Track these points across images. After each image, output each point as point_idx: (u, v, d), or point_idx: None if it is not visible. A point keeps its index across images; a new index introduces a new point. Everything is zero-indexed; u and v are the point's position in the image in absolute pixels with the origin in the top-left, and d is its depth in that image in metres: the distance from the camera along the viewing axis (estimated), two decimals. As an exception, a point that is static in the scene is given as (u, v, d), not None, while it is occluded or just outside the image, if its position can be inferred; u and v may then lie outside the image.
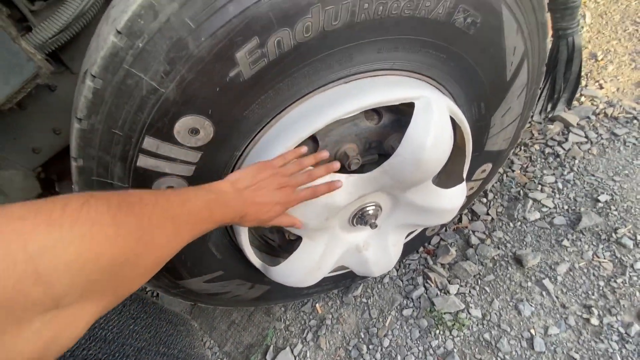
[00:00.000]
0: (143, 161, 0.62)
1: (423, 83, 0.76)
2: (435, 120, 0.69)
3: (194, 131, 0.62)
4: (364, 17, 0.58)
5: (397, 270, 1.44)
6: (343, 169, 0.76)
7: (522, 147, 1.61)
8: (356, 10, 0.57)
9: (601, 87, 1.72)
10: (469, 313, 1.24)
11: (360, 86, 0.70)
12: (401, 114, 0.79)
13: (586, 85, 1.73)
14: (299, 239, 0.89)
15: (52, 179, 1.44)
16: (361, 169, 0.79)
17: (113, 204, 0.35)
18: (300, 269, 0.91)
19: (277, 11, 0.53)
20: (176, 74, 0.54)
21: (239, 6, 0.51)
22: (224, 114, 0.62)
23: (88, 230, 0.31)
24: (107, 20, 0.54)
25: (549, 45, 0.87)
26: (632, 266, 1.18)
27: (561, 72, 1.05)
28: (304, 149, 0.67)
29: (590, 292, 1.17)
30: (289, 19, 0.54)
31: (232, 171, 0.73)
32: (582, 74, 1.16)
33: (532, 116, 1.55)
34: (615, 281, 1.16)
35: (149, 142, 0.60)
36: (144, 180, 0.65)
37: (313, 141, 0.76)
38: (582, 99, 1.69)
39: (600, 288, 1.17)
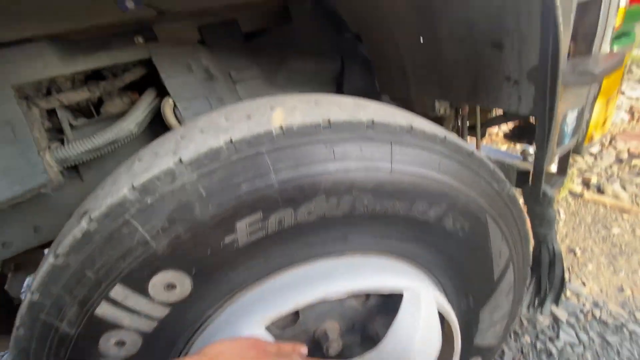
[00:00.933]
0: (103, 309, 0.56)
1: (414, 270, 0.76)
2: (423, 316, 0.67)
3: (171, 286, 0.58)
4: (362, 211, 0.63)
5: None
6: (320, 352, 0.68)
7: (513, 336, 1.52)
8: (355, 205, 0.62)
9: (584, 284, 1.75)
10: None
11: (352, 265, 0.70)
12: (389, 296, 0.77)
13: (569, 281, 1.77)
14: None
15: (5, 274, 1.30)
16: (340, 352, 0.71)
17: None
18: None
19: (285, 195, 0.57)
20: (172, 231, 0.54)
21: (251, 186, 0.56)
22: (208, 274, 0.59)
23: None
24: (129, 171, 0.58)
25: (531, 252, 0.92)
26: None
27: (545, 274, 1.08)
28: (304, 349, 0.63)
29: None
30: (294, 203, 0.58)
31: (196, 331, 0.65)
32: (565, 276, 1.20)
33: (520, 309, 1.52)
34: None
35: (117, 291, 0.55)
36: (94, 329, 0.57)
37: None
38: (568, 293, 1.69)
39: None
